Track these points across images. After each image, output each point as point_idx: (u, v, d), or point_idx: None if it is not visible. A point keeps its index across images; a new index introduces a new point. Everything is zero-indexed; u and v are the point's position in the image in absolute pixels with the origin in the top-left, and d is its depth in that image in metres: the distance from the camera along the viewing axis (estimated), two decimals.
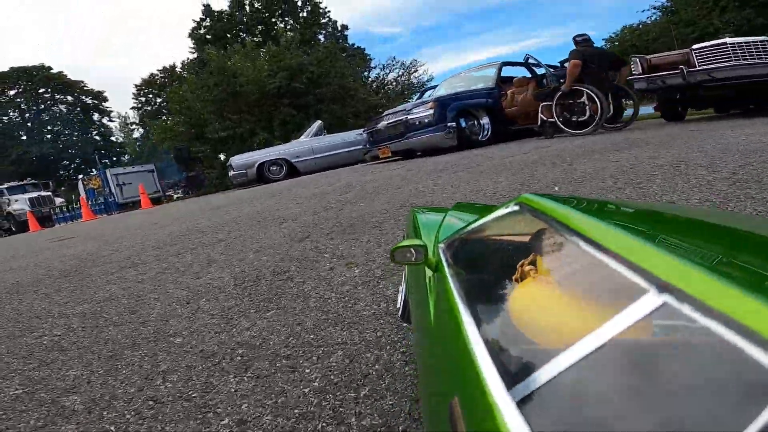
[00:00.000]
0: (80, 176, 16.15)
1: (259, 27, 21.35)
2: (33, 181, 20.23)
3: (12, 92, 33.26)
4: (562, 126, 4.69)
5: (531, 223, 0.46)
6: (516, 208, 0.51)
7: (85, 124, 35.80)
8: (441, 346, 0.44)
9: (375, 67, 24.15)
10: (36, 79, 33.20)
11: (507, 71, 6.38)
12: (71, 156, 33.22)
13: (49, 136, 34.36)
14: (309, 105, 15.68)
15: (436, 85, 7.55)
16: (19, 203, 15.75)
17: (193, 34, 20.75)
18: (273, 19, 21.34)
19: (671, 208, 0.67)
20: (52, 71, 33.70)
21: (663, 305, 0.24)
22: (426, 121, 5.46)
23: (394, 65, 24.25)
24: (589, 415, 0.24)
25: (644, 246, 0.29)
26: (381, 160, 6.98)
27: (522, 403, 0.26)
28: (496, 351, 0.32)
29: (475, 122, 5.76)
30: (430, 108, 5.46)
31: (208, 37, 20.43)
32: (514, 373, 0.29)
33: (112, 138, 37.29)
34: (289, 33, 19.21)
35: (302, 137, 9.50)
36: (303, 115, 14.97)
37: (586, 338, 0.26)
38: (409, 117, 5.67)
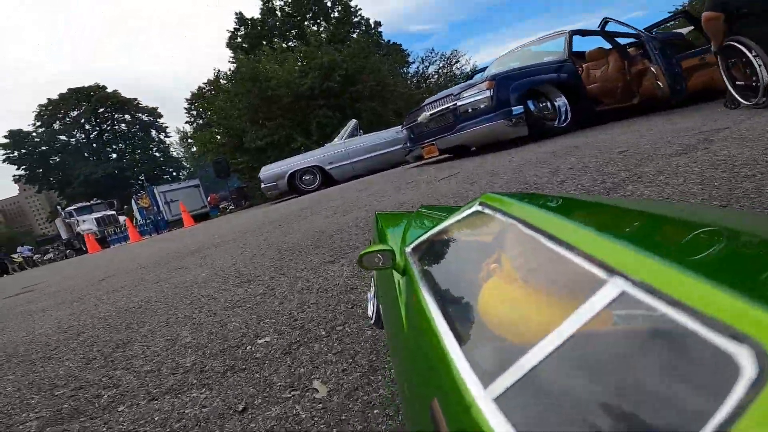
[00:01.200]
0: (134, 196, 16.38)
1: (293, 32, 20.86)
2: (99, 201, 21.25)
3: (74, 113, 35.49)
4: (735, 95, 3.24)
5: (493, 221, 0.47)
6: (478, 207, 0.52)
7: (145, 141, 37.75)
8: (415, 349, 0.44)
9: (413, 62, 22.90)
10: (93, 100, 35.30)
11: (577, 44, 4.90)
12: (135, 174, 35.01)
13: (114, 156, 36.55)
14: (345, 105, 14.79)
15: (484, 68, 6.10)
16: (87, 223, 16.37)
17: (231, 44, 20.68)
18: (305, 23, 20.73)
19: (632, 202, 0.62)
20: (107, 90, 35.77)
21: (621, 294, 0.25)
22: (482, 106, 4.16)
23: (433, 57, 22.85)
24: (563, 406, 0.24)
25: (599, 237, 0.30)
26: (426, 160, 5.76)
27: (499, 400, 0.26)
28: (469, 350, 0.33)
29: (548, 104, 4.38)
30: (486, 89, 4.14)
31: (244, 45, 20.25)
32: (489, 371, 0.29)
33: (173, 153, 38.99)
34: (321, 35, 18.46)
35: (336, 139, 8.53)
36: (340, 116, 14.10)
37: (553, 332, 0.27)
38: (459, 103, 4.37)
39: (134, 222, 13.47)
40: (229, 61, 19.53)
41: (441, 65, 22.92)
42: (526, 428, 0.24)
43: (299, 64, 14.55)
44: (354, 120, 8.60)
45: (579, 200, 0.57)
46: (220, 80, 20.46)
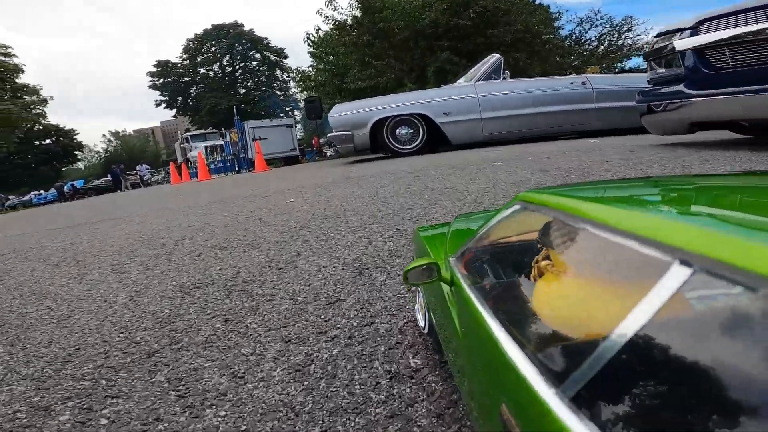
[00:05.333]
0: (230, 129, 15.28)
1: None
2: (214, 130, 21.49)
3: (213, 48, 37.30)
4: None
5: (536, 218, 0.45)
6: (517, 207, 0.50)
7: (270, 80, 38.51)
8: (476, 357, 0.44)
9: (565, 23, 17.63)
10: (230, 36, 36.55)
11: None
12: (255, 109, 35.84)
13: (242, 91, 37.96)
14: (478, 51, 11.12)
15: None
16: (195, 151, 16.01)
17: None
18: None
19: (672, 178, 0.57)
20: (243, 27, 36.68)
21: (692, 275, 0.23)
22: None
23: (596, 20, 17.37)
24: (645, 400, 0.23)
25: (656, 218, 0.29)
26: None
27: (575, 400, 0.25)
28: (533, 352, 0.32)
29: None
30: None
31: None
32: (558, 371, 0.28)
33: (291, 93, 39.37)
34: None
35: (461, 80, 5.33)
36: (468, 63, 10.55)
37: (622, 323, 0.25)
38: None
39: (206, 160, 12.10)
40: None
41: (606, 31, 17.44)
42: (604, 427, 0.23)
43: None
44: (497, 55, 5.23)
45: (617, 183, 0.60)
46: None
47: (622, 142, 3.43)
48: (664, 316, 0.23)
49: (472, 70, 5.28)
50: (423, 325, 0.82)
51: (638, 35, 17.10)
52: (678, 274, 0.23)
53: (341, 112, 4.98)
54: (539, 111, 4.68)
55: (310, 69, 16.15)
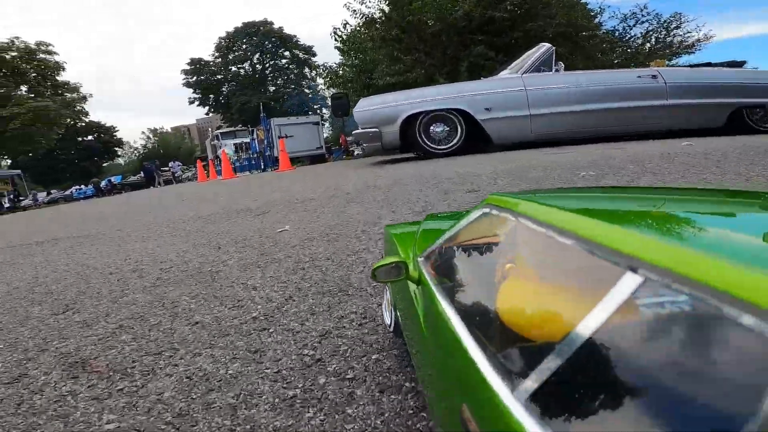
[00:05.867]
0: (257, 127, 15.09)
1: None
2: (243, 128, 21.57)
3: (244, 46, 37.73)
4: None
5: (503, 222, 0.46)
6: (486, 209, 0.51)
7: (299, 78, 38.64)
8: (439, 357, 0.44)
9: (607, 18, 16.49)
10: (260, 34, 36.87)
11: None
12: (282, 107, 35.94)
13: (272, 89, 38.23)
14: (516, 45, 10.42)
15: None
16: (225, 148, 16.04)
17: None
18: None
19: (636, 189, 0.64)
20: (272, 26, 36.91)
21: (644, 283, 0.24)
22: None
23: (642, 16, 16.18)
24: (597, 402, 0.24)
25: (613, 227, 0.30)
26: None
27: (530, 401, 0.26)
28: (493, 353, 0.32)
29: None
30: None
31: None
32: (516, 373, 0.29)
33: (319, 92, 39.35)
34: None
35: (505, 72, 4.73)
36: (504, 58, 9.87)
37: (578, 327, 0.26)
38: None
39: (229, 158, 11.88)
40: None
41: (652, 27, 16.22)
42: (559, 428, 0.24)
43: None
44: (547, 44, 4.60)
45: (584, 192, 0.62)
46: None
47: (728, 143, 2.74)
48: (616, 321, 0.24)
49: (518, 61, 4.66)
50: (389, 323, 0.81)
51: (688, 32, 15.87)
52: (630, 281, 0.25)
53: (368, 107, 4.42)
54: (600, 107, 4.02)
55: (337, 65, 15.78)
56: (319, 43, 39.96)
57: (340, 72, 14.68)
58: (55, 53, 27.15)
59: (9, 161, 31.12)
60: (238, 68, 37.94)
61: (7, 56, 24.71)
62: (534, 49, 4.52)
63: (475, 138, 4.29)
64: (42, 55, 26.39)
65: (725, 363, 0.19)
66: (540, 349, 0.28)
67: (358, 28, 12.90)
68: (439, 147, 4.29)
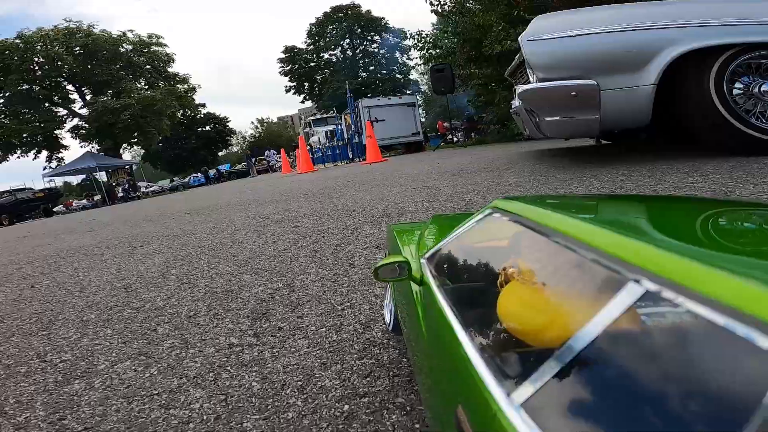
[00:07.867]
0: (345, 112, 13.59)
1: None
2: (334, 114, 20.64)
3: (334, 31, 37.14)
4: None
5: (507, 226, 0.46)
6: (490, 213, 0.51)
7: (390, 62, 37.16)
8: (437, 358, 0.44)
9: None
10: (348, 18, 35.86)
11: None
12: (374, 91, 34.76)
13: (364, 74, 37.33)
14: None
15: None
16: (316, 136, 15.10)
17: None
18: None
19: (645, 198, 0.62)
20: (360, 9, 35.64)
21: (645, 294, 0.24)
22: None
23: None
24: (592, 412, 0.24)
25: (618, 236, 0.30)
26: None
27: (525, 405, 0.26)
28: (491, 357, 0.33)
29: None
30: None
31: None
32: (513, 377, 0.29)
33: (411, 77, 37.49)
34: None
35: None
36: None
37: (576, 334, 0.26)
38: None
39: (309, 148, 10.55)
40: None
41: None
42: None
43: None
44: None
45: (591, 199, 0.61)
46: None
47: None
48: (616, 329, 0.24)
49: None
50: (388, 322, 0.83)
51: None
52: (632, 290, 0.25)
53: (564, 31, 2.03)
54: None
55: (433, 33, 13.51)
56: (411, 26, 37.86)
57: (439, 42, 12.43)
58: (165, 45, 29.05)
59: (142, 151, 34.83)
60: (330, 55, 37.57)
61: (122, 49, 26.52)
62: None
63: None
64: (154, 48, 28.34)
65: (725, 375, 0.19)
66: (538, 355, 0.28)
67: None
68: None
